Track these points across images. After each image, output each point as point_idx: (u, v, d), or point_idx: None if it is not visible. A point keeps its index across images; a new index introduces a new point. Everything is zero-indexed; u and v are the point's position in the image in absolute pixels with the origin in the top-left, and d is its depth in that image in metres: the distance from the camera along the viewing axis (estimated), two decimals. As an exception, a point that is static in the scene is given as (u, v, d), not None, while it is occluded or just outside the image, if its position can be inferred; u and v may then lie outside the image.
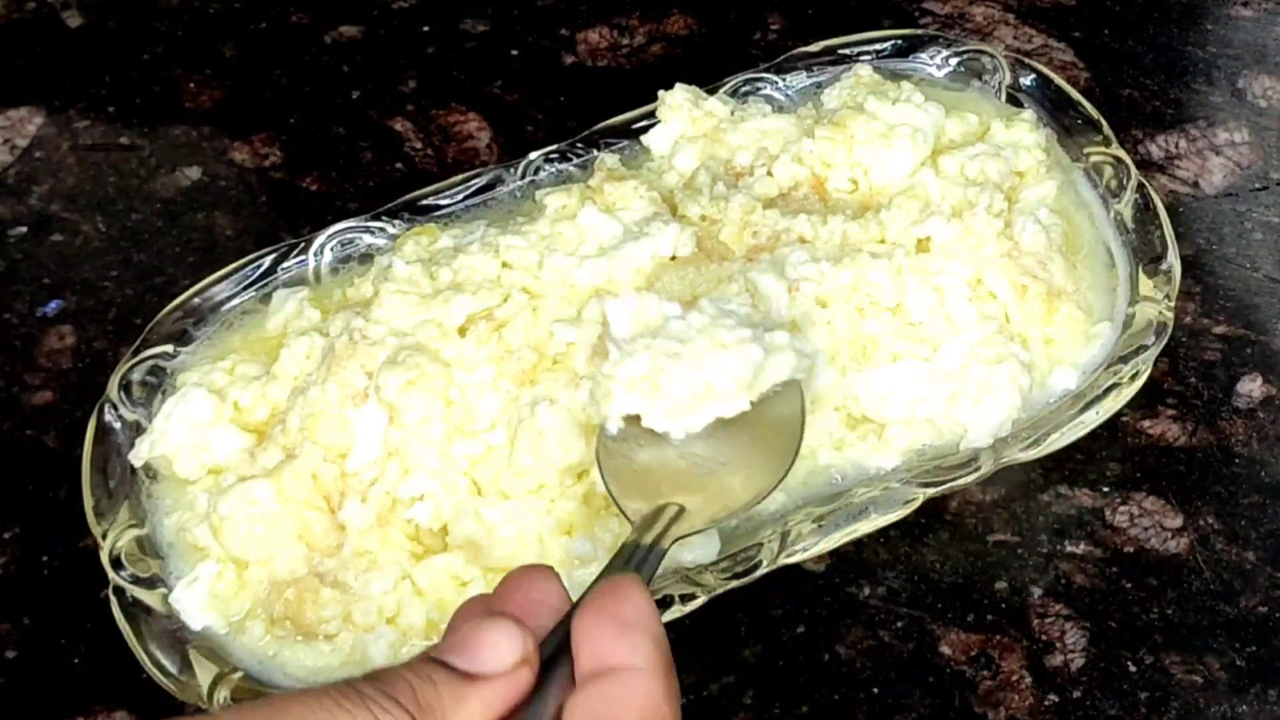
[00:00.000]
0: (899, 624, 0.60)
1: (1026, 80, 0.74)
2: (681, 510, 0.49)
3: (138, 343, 0.66)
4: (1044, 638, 0.59)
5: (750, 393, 0.53)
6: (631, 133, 0.73)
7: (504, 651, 0.37)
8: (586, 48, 0.85)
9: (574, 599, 0.40)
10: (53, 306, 0.73)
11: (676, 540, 0.48)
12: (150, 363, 0.65)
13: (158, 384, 0.65)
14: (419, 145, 0.80)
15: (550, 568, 0.41)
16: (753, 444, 0.53)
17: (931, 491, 0.59)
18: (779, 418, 0.53)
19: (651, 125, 0.73)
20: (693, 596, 0.57)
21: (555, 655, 0.38)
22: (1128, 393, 0.62)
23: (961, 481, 0.60)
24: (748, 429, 0.53)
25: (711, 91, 0.73)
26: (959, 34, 0.83)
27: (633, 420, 0.54)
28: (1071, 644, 0.59)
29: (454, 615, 0.40)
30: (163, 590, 0.58)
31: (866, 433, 0.62)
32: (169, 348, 0.66)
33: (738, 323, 0.54)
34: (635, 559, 0.45)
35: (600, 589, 0.38)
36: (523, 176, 0.71)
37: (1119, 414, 0.64)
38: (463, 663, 0.37)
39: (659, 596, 0.56)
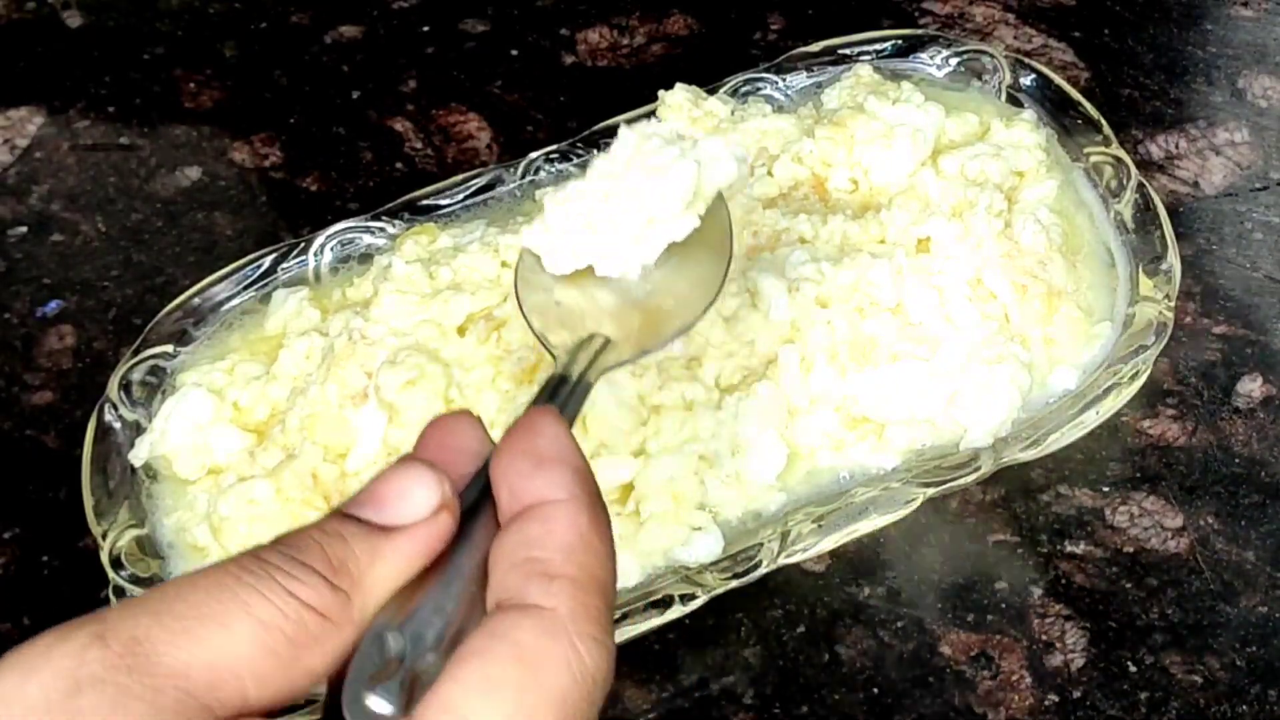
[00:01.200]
0: (899, 624, 0.60)
1: (1026, 80, 0.74)
2: (608, 342, 0.45)
3: (138, 343, 0.66)
4: (1044, 638, 0.59)
5: (696, 208, 0.50)
6: (631, 133, 0.73)
7: (418, 499, 0.34)
8: (586, 48, 0.85)
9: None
10: (53, 306, 0.73)
11: (604, 372, 0.44)
12: (150, 363, 0.65)
13: (158, 384, 0.65)
14: (419, 145, 0.80)
15: (468, 412, 0.38)
16: (680, 266, 0.50)
17: (931, 491, 0.59)
18: (705, 235, 0.50)
19: (651, 125, 0.73)
20: (693, 596, 0.57)
21: (479, 502, 0.35)
22: (1128, 393, 0.62)
23: (961, 481, 0.60)
24: (674, 251, 0.50)
25: (711, 91, 0.73)
26: (959, 34, 0.83)
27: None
28: (1071, 644, 0.59)
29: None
30: (163, 590, 0.58)
31: (866, 433, 0.62)
32: (169, 348, 0.66)
33: (664, 143, 0.51)
34: (559, 395, 0.42)
35: (515, 426, 0.36)
36: (523, 176, 0.71)
37: (1119, 414, 0.64)
38: (376, 515, 0.34)
39: (659, 596, 0.56)
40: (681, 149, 0.50)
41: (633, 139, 0.50)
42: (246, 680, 0.30)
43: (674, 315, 0.48)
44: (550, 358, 0.45)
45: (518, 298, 0.49)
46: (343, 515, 0.34)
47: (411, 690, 0.31)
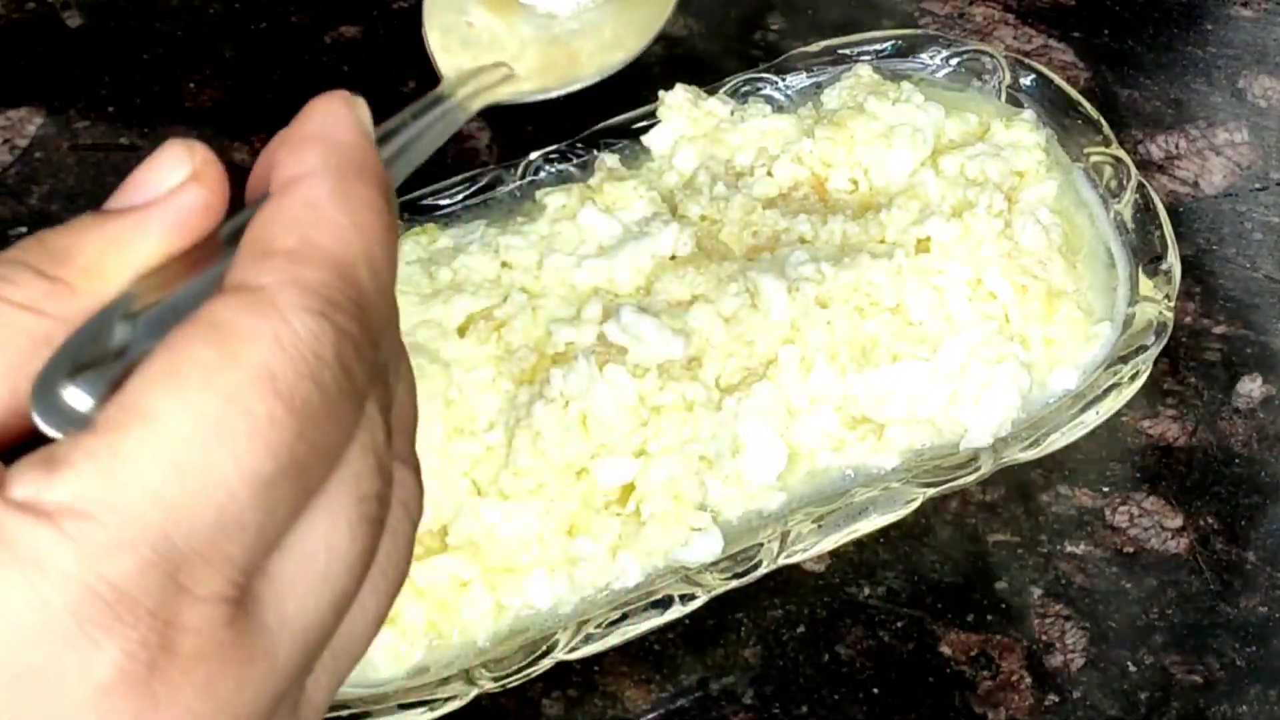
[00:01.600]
0: (899, 624, 0.60)
1: (1026, 80, 0.74)
2: (510, 74, 0.41)
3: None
4: (1044, 638, 0.59)
5: None
6: (631, 133, 0.73)
7: (163, 174, 0.29)
8: (586, 48, 0.85)
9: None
10: (53, 306, 0.73)
11: (490, 102, 0.39)
12: (150, 363, 0.65)
13: (158, 384, 0.65)
14: (419, 145, 0.80)
15: (344, 94, 0.31)
16: (615, 9, 0.45)
17: (931, 491, 0.59)
18: None
19: (651, 125, 0.72)
20: (693, 596, 0.57)
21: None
22: (1128, 393, 0.62)
23: (961, 481, 0.60)
24: None
25: (711, 91, 0.73)
26: (959, 34, 0.83)
27: None
28: (1071, 644, 0.59)
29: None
30: (163, 590, 0.58)
31: (866, 433, 0.62)
32: (169, 348, 0.66)
33: None
34: (423, 115, 0.36)
35: (304, 109, 0.30)
36: (523, 176, 0.71)
37: (1119, 414, 0.64)
38: (116, 202, 0.29)
39: (659, 596, 0.56)
40: None
41: None
42: None
43: (592, 60, 0.44)
44: (440, 77, 0.40)
45: (423, 16, 0.44)
46: (86, 214, 0.29)
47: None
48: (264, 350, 0.25)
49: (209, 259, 0.28)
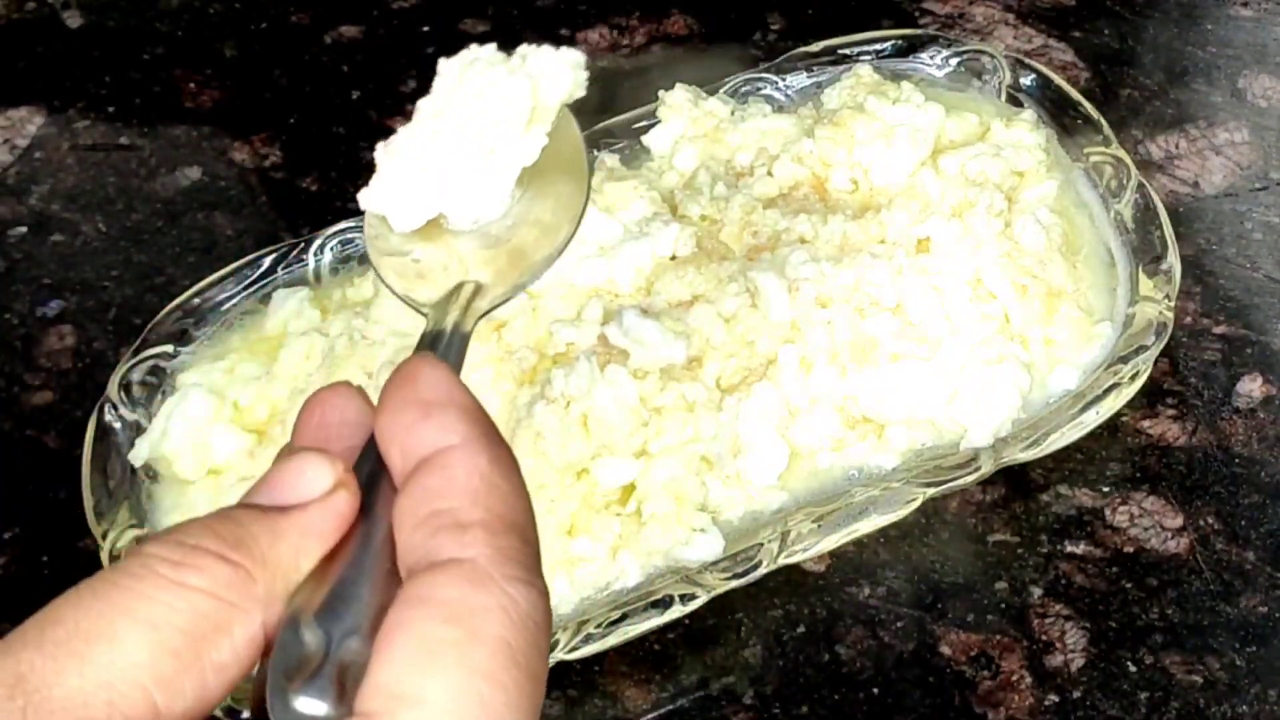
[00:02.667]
0: (899, 624, 0.60)
1: (1026, 80, 0.74)
2: (479, 286, 0.42)
3: (138, 343, 0.66)
4: (1044, 638, 0.59)
5: (541, 126, 0.45)
6: (631, 133, 0.73)
7: (311, 479, 0.31)
8: (586, 48, 0.85)
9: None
10: (53, 306, 0.73)
11: (480, 317, 0.41)
12: (150, 363, 0.65)
13: (158, 384, 0.65)
14: (419, 145, 0.80)
15: (346, 383, 0.35)
16: (538, 193, 0.45)
17: (931, 491, 0.59)
18: (557, 155, 0.45)
19: (651, 125, 0.73)
20: (693, 596, 0.57)
21: (374, 474, 0.32)
22: (1128, 393, 0.62)
23: (961, 481, 0.60)
24: (528, 178, 0.45)
25: (711, 91, 0.73)
26: (959, 34, 0.83)
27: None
28: (1071, 644, 0.59)
29: None
30: (163, 590, 0.58)
31: (866, 433, 0.62)
32: (169, 348, 0.66)
33: (488, 65, 0.45)
34: (437, 349, 0.38)
35: (390, 382, 0.32)
36: (523, 176, 0.71)
37: (1119, 414, 0.64)
38: (269, 500, 0.31)
39: (659, 596, 0.56)
40: (509, 66, 0.45)
41: (454, 68, 0.45)
42: (152, 690, 0.27)
43: (543, 242, 0.44)
44: (422, 315, 0.41)
45: (373, 265, 0.45)
46: (235, 506, 0.31)
47: (342, 684, 0.28)
48: (497, 624, 0.28)
49: (344, 548, 0.31)
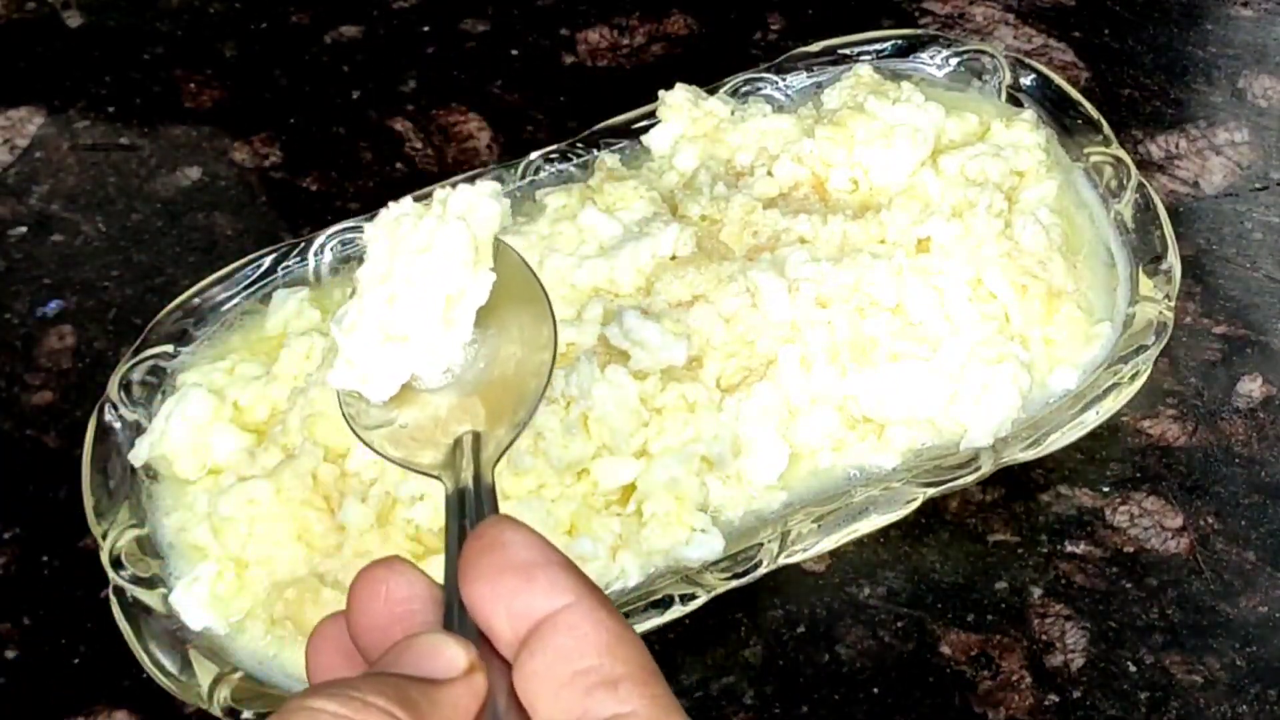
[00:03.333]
0: (899, 624, 0.60)
1: (1026, 80, 0.74)
2: (477, 435, 0.42)
3: (138, 343, 0.66)
4: (1044, 638, 0.59)
5: (484, 263, 0.45)
6: (631, 133, 0.73)
7: (449, 658, 0.32)
8: (586, 48, 0.85)
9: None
10: (53, 306, 0.73)
11: (494, 464, 0.41)
12: (150, 363, 0.65)
13: (158, 384, 0.65)
14: (419, 145, 0.80)
15: (398, 558, 0.35)
16: (500, 325, 0.45)
17: (931, 491, 0.59)
18: (504, 282, 0.45)
19: (651, 125, 0.73)
20: (693, 596, 0.57)
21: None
22: (1128, 393, 0.62)
23: (961, 481, 0.60)
24: (484, 315, 0.45)
25: (711, 91, 0.73)
26: (959, 34, 0.83)
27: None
28: (1071, 644, 0.59)
29: (311, 650, 0.35)
30: (163, 590, 0.58)
31: (866, 433, 0.62)
32: (169, 348, 0.66)
33: (416, 218, 0.45)
34: (469, 509, 0.38)
35: (470, 550, 0.32)
36: (523, 176, 0.71)
37: (1119, 414, 0.64)
38: (416, 670, 0.32)
39: (659, 596, 0.56)
40: (436, 214, 0.45)
41: (381, 230, 0.45)
42: None
43: (525, 374, 0.44)
44: (435, 479, 0.41)
45: (361, 440, 0.45)
46: (386, 671, 0.32)
47: None
48: None
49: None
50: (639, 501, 0.59)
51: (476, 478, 0.40)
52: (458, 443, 0.42)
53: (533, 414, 0.44)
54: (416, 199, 0.46)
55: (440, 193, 0.46)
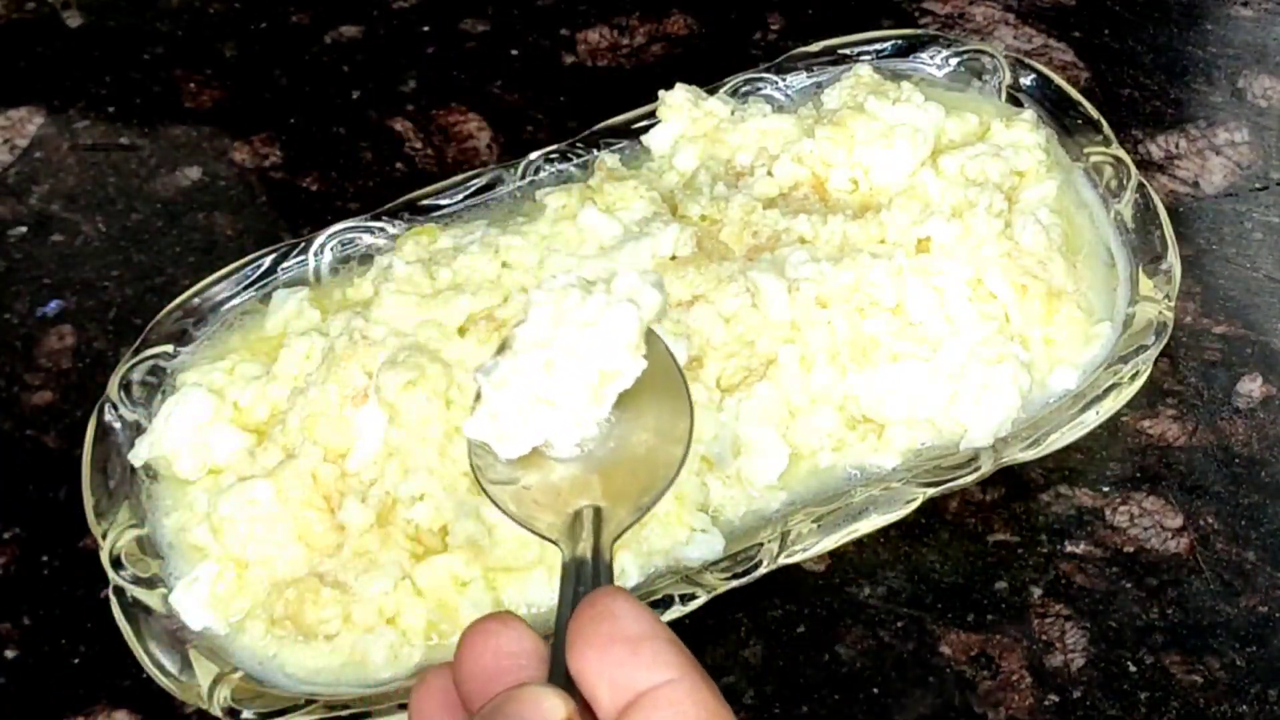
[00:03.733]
0: (899, 624, 0.60)
1: (1026, 80, 0.74)
2: (598, 511, 0.43)
3: (138, 343, 0.66)
4: (1044, 638, 0.60)
5: (641, 350, 0.46)
6: (631, 133, 0.73)
7: (547, 710, 0.33)
8: (586, 48, 0.85)
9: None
10: (53, 306, 0.73)
11: (614, 542, 0.42)
12: (150, 363, 0.65)
13: (158, 384, 0.65)
14: (419, 145, 0.80)
15: (510, 613, 0.37)
16: (639, 409, 0.46)
17: (931, 491, 0.59)
18: (650, 367, 0.46)
19: (651, 125, 0.73)
20: (693, 596, 0.57)
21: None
22: (1128, 393, 0.62)
23: (961, 481, 0.60)
24: (624, 396, 0.46)
25: (711, 91, 0.73)
26: (959, 34, 0.83)
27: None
28: (1071, 644, 0.59)
29: (416, 698, 0.36)
30: (163, 590, 0.58)
31: (866, 433, 0.62)
32: (169, 348, 0.66)
33: (583, 293, 0.46)
34: (585, 579, 0.40)
35: (581, 617, 0.34)
36: (523, 176, 0.71)
37: (1119, 414, 0.64)
38: (514, 715, 0.33)
39: (659, 596, 0.56)
40: (605, 294, 0.46)
41: (548, 299, 0.46)
42: None
43: (655, 463, 0.46)
44: (551, 543, 0.43)
45: (485, 492, 0.46)
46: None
47: None
48: None
49: None
50: (639, 501, 0.59)
51: (596, 551, 0.41)
52: (578, 514, 0.43)
53: (656, 502, 0.45)
54: (584, 280, 0.47)
55: (607, 273, 0.47)
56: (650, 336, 0.47)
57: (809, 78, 0.76)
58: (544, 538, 0.44)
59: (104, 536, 0.59)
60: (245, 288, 0.68)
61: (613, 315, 0.45)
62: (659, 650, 0.33)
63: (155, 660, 0.56)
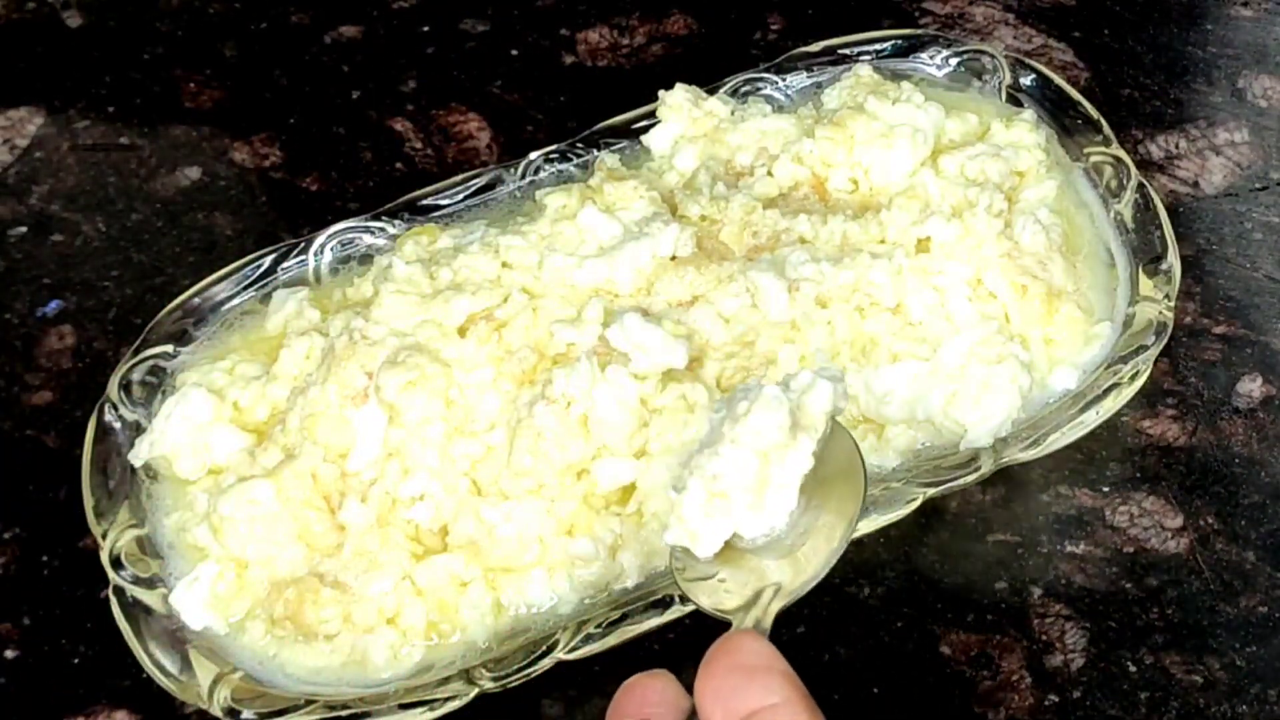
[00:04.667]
0: (899, 624, 0.60)
1: (1026, 80, 0.74)
2: (778, 588, 0.48)
3: (138, 343, 0.66)
4: (1044, 638, 0.60)
5: (809, 434, 0.49)
6: (631, 133, 0.73)
7: None
8: (586, 48, 0.85)
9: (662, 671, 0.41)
10: (53, 306, 0.73)
11: (777, 613, 0.47)
12: (150, 363, 0.65)
13: (158, 384, 0.65)
14: (419, 145, 0.80)
15: (665, 672, 0.41)
16: (820, 499, 0.50)
17: (931, 491, 0.59)
18: (832, 461, 0.50)
19: (651, 125, 0.73)
20: (693, 596, 0.57)
21: None
22: (1128, 393, 0.62)
23: (961, 481, 0.60)
24: (809, 486, 0.49)
25: (711, 91, 0.73)
26: (959, 34, 0.83)
27: None
28: (1071, 644, 0.59)
29: None
30: (163, 590, 0.58)
31: (866, 433, 0.62)
32: (169, 348, 0.66)
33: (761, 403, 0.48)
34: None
35: (711, 653, 0.38)
36: (523, 176, 0.71)
37: (1119, 414, 0.64)
38: None
39: (659, 596, 0.56)
40: (778, 388, 0.49)
41: (778, 403, 0.49)
42: None
43: (827, 538, 0.49)
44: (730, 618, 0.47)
45: (684, 590, 0.50)
46: None
47: None
48: None
49: None
50: (639, 501, 0.59)
51: (758, 622, 0.46)
52: (759, 594, 0.47)
53: (822, 573, 0.49)
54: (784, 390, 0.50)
55: (789, 376, 0.50)
56: (837, 430, 0.50)
57: (809, 78, 0.76)
58: (725, 618, 0.47)
59: (104, 536, 0.59)
60: (245, 288, 0.68)
61: (762, 401, 0.49)
62: (771, 679, 0.36)
63: (155, 660, 0.56)
